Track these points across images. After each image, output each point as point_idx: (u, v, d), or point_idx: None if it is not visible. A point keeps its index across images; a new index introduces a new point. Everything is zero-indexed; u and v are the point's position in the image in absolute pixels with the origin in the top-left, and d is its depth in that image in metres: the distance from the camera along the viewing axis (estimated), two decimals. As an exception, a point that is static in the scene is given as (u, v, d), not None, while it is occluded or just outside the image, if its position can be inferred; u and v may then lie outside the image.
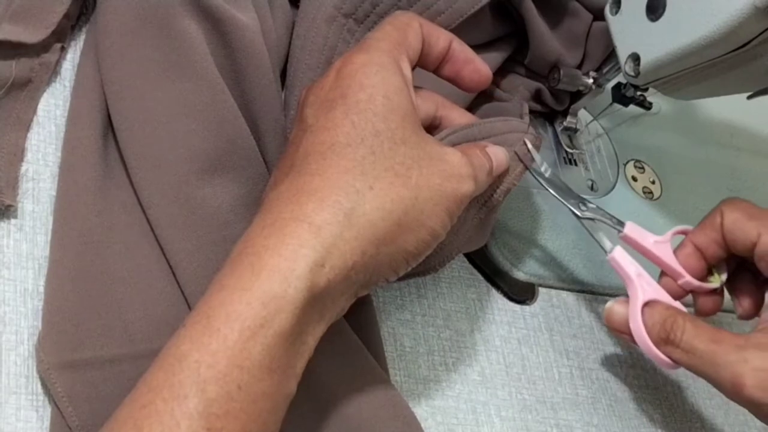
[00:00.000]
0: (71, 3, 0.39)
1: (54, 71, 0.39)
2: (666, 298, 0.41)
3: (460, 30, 0.44)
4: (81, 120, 0.37)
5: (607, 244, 0.42)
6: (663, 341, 0.40)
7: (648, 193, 0.56)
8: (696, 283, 0.43)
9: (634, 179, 0.57)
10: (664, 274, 0.44)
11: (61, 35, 0.39)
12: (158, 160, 0.36)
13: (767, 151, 0.67)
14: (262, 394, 0.27)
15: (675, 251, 0.43)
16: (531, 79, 0.52)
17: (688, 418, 0.48)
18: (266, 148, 0.39)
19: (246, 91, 0.39)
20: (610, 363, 0.48)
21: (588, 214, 0.43)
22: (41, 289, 0.34)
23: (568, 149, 0.54)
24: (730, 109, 0.66)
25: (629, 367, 0.48)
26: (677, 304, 0.41)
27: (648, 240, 0.43)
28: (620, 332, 0.42)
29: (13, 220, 0.35)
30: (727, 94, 0.45)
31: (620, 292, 0.51)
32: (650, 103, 0.52)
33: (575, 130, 0.55)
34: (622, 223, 0.43)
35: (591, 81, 0.51)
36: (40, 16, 0.38)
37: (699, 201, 0.58)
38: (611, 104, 0.51)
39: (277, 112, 0.40)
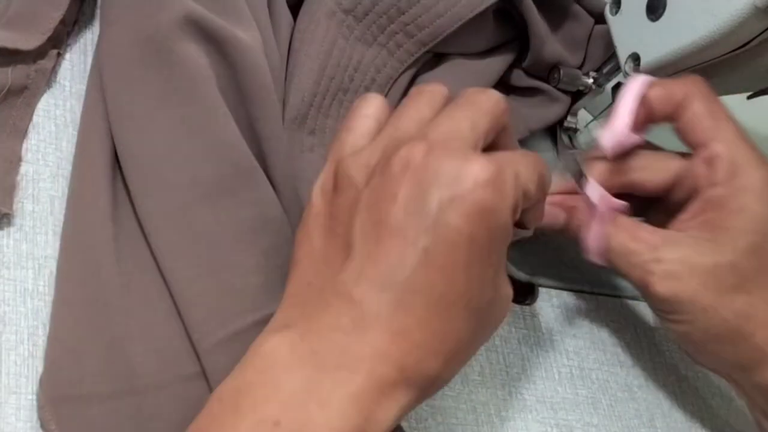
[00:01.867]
0: (67, 9, 0.38)
1: (50, 77, 0.39)
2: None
3: (460, 36, 0.45)
4: (90, 149, 0.37)
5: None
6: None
7: (648, 193, 0.56)
8: None
9: (634, 179, 0.57)
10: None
11: (58, 41, 0.39)
12: (160, 187, 0.36)
13: (767, 150, 0.67)
14: None
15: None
16: (531, 77, 0.52)
17: (688, 418, 0.48)
18: (271, 168, 0.39)
19: (249, 111, 0.39)
20: (610, 363, 0.48)
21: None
22: (41, 288, 0.34)
23: (567, 149, 0.54)
24: (730, 109, 0.65)
25: (629, 367, 0.48)
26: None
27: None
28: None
29: (12, 220, 0.35)
30: (727, 94, 0.45)
31: (621, 293, 0.51)
32: (650, 103, 0.51)
33: (575, 130, 0.55)
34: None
35: (591, 81, 0.51)
36: (36, 22, 0.37)
37: (699, 201, 0.58)
38: (611, 104, 0.51)
39: (280, 131, 0.39)
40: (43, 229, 0.36)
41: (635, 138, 0.41)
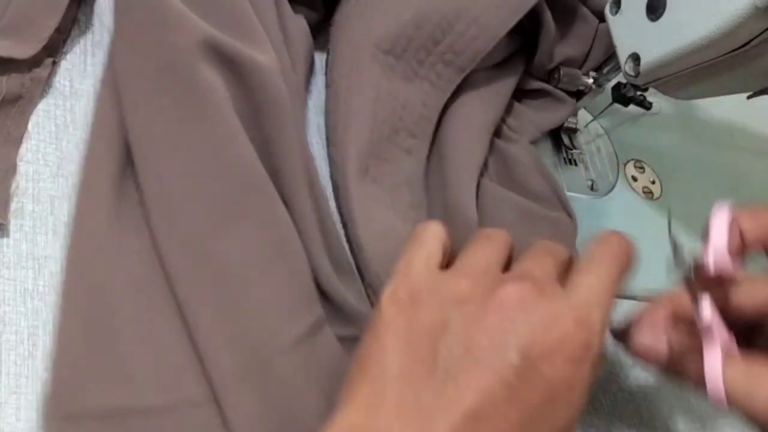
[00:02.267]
0: (62, 17, 0.38)
1: (48, 81, 0.39)
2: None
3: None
4: (96, 165, 0.36)
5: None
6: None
7: (648, 193, 0.56)
8: None
9: (634, 179, 0.57)
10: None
11: (53, 50, 0.39)
12: (176, 212, 0.36)
13: (767, 151, 0.67)
14: None
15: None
16: (535, 79, 0.52)
17: (689, 418, 0.48)
18: (286, 188, 0.39)
19: (266, 132, 0.39)
20: (609, 363, 0.48)
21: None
22: (41, 288, 0.34)
23: (568, 149, 0.54)
24: (730, 109, 0.66)
25: (629, 367, 0.48)
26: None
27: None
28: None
29: (13, 220, 0.35)
30: (727, 94, 0.45)
31: (621, 293, 0.51)
32: (650, 103, 0.52)
33: (575, 130, 0.55)
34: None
35: (591, 81, 0.51)
36: (31, 30, 0.37)
37: (699, 201, 0.58)
38: (611, 104, 0.51)
39: (296, 151, 0.39)
40: (43, 229, 0.36)
41: (732, 264, 0.37)
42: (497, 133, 0.49)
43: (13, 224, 0.35)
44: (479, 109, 0.47)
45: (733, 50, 0.39)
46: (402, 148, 0.44)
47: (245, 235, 0.36)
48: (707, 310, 0.34)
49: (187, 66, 0.37)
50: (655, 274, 0.53)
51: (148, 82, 0.37)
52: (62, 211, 0.36)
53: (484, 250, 0.34)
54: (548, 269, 0.33)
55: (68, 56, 0.40)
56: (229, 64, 0.39)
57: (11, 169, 0.36)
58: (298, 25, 0.45)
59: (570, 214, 0.46)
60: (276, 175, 0.39)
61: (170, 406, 0.33)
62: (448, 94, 0.46)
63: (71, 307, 0.33)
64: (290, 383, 0.34)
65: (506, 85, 0.49)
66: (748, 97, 0.45)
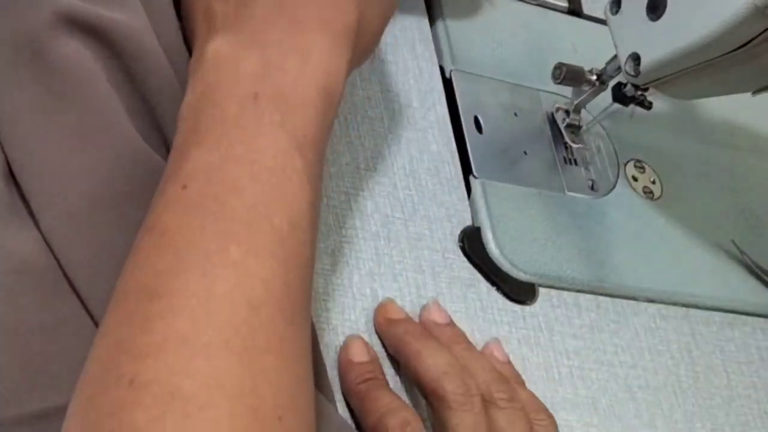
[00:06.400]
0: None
1: None
2: None
3: None
4: None
5: None
6: None
7: (648, 193, 0.56)
8: None
9: (635, 179, 0.57)
10: None
11: None
12: (61, 204, 0.33)
13: (767, 150, 0.67)
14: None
15: None
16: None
17: (688, 418, 0.48)
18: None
19: (148, 98, 0.36)
20: (610, 363, 0.48)
21: None
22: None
23: (573, 144, 0.54)
24: (730, 108, 0.66)
25: (629, 367, 0.48)
26: None
27: None
28: None
29: None
30: (727, 93, 0.45)
31: (621, 293, 0.51)
32: (650, 103, 0.52)
33: (578, 127, 0.55)
34: None
35: (594, 78, 0.51)
36: None
37: (699, 201, 0.58)
38: (611, 104, 0.51)
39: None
40: None
41: None
42: None
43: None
44: None
45: (733, 50, 0.39)
46: None
47: (138, 213, 0.32)
48: None
49: (44, 43, 0.34)
50: (654, 275, 0.52)
51: (7, 66, 0.34)
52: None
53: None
54: None
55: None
56: (93, 32, 0.35)
57: None
58: None
59: None
60: (164, 141, 0.37)
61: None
62: None
63: None
64: None
65: None
66: (753, 93, 0.45)
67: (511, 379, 0.41)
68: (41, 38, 0.34)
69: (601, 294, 0.50)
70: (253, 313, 0.27)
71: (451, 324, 0.42)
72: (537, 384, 0.44)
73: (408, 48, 0.53)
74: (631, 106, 0.49)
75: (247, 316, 0.27)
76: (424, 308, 0.43)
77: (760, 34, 0.38)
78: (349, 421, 0.38)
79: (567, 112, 0.55)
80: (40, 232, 0.33)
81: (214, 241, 0.28)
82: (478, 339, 0.44)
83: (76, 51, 0.35)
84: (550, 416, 0.40)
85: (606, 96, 0.51)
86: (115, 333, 0.27)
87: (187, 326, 0.26)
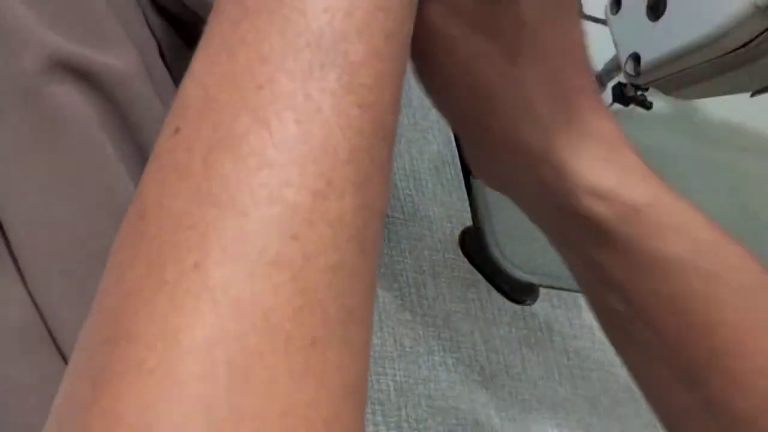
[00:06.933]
0: None
1: None
2: None
3: None
4: None
5: None
6: None
7: (648, 193, 0.56)
8: None
9: (634, 179, 0.57)
10: None
11: None
12: (49, 260, 0.33)
13: (767, 150, 0.67)
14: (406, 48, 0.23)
15: None
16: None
17: (688, 418, 0.48)
18: None
19: (140, 143, 0.36)
20: (610, 363, 0.48)
21: None
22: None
23: None
24: (730, 109, 0.66)
25: (629, 367, 0.48)
26: None
27: None
28: None
29: None
30: (727, 93, 0.45)
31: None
32: (650, 103, 0.52)
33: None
34: None
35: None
36: None
37: (699, 201, 0.58)
38: (611, 104, 0.51)
39: None
40: None
41: None
42: None
43: None
44: None
45: (733, 50, 0.39)
46: None
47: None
48: None
49: (36, 86, 0.34)
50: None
51: None
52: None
53: None
54: None
55: None
56: (85, 77, 0.35)
57: None
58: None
59: None
60: None
61: None
62: None
63: None
64: None
65: None
66: (752, 95, 0.45)
67: None
68: (33, 82, 0.34)
69: (601, 294, 0.50)
70: None
71: None
72: (537, 384, 0.44)
73: (408, 48, 0.53)
74: (631, 105, 0.49)
75: None
76: None
77: (760, 34, 0.38)
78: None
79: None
80: (27, 289, 0.33)
81: None
82: (477, 339, 0.44)
83: (68, 95, 0.34)
84: None
85: (606, 96, 0.51)
86: None
87: None
